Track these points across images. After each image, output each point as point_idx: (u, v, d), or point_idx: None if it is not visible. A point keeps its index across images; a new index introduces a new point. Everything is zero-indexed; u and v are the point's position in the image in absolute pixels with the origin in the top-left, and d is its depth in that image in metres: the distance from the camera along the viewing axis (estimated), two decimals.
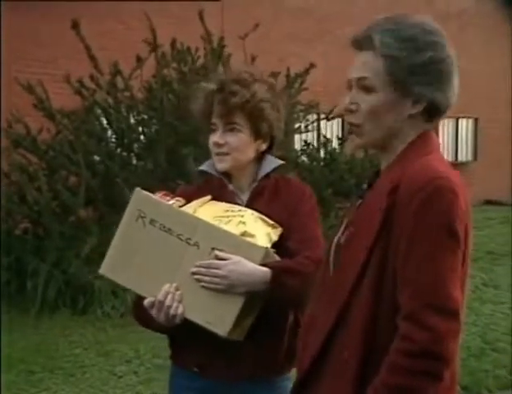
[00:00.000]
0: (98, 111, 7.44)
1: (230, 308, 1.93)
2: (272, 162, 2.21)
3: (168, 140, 7.17)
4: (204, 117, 2.15)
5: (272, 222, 2.06)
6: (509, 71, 17.80)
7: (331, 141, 8.79)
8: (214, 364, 2.08)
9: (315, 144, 9.09)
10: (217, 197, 2.15)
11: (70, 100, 7.45)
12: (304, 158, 8.56)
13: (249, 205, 2.12)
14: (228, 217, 2.02)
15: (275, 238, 2.04)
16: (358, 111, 1.62)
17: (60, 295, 6.82)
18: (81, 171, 7.06)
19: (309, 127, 8.55)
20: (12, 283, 6.92)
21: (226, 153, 2.12)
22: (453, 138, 17.51)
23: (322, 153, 8.75)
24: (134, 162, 7.63)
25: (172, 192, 2.17)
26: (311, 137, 9.52)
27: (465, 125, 17.76)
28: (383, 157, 1.68)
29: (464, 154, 17.70)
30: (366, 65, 1.60)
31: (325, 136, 9.00)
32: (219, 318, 1.93)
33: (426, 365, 1.44)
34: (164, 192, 2.11)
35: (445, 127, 17.07)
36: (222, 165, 2.14)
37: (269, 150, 2.22)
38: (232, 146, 2.11)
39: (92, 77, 7.31)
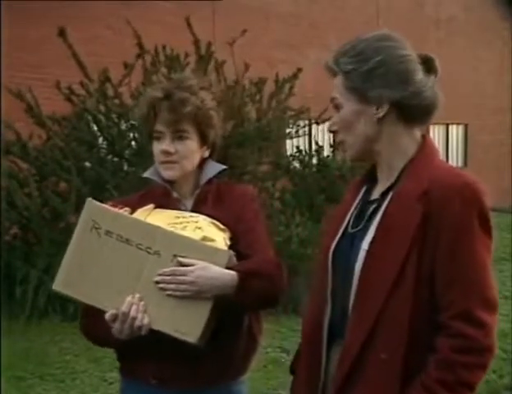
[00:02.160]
0: (89, 117, 7.43)
1: (199, 314, 1.89)
2: (213, 168, 2.17)
3: None
4: (148, 124, 2.10)
5: (222, 226, 2.04)
6: (498, 77, 17.91)
7: (323, 147, 8.83)
8: (173, 374, 2.03)
9: (306, 149, 9.11)
10: (161, 205, 2.09)
11: (62, 106, 7.44)
12: (295, 163, 8.59)
13: (195, 211, 2.08)
14: (182, 223, 1.98)
15: (228, 242, 2.02)
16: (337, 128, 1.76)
17: (50, 301, 6.79)
18: (72, 178, 7.05)
19: (300, 132, 8.58)
20: (1, 289, 6.89)
21: (175, 162, 2.08)
22: (443, 144, 17.59)
23: (314, 160, 8.78)
24: (126, 168, 7.62)
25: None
26: (302, 142, 9.55)
27: (455, 132, 17.86)
28: (381, 164, 1.77)
29: (455, 160, 17.77)
30: (335, 87, 1.74)
31: (317, 143, 9.03)
32: (188, 325, 1.89)
33: (479, 359, 1.57)
34: (112, 202, 2.05)
35: (435, 133, 17.14)
36: (170, 173, 2.09)
37: (211, 156, 2.20)
38: (181, 154, 2.07)
39: (82, 84, 7.30)
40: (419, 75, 1.69)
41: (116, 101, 7.37)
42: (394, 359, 1.59)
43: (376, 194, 1.78)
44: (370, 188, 1.82)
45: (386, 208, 1.69)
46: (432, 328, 1.59)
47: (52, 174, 7.30)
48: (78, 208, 7.76)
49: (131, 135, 7.56)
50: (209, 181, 2.15)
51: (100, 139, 7.57)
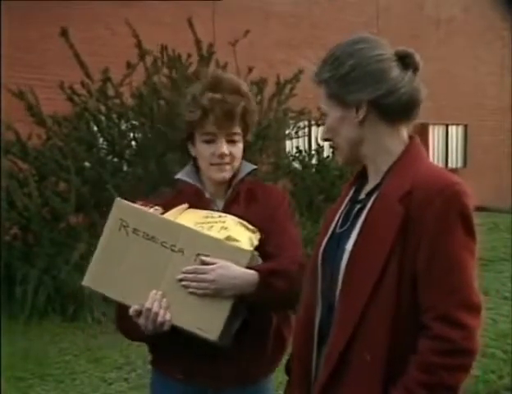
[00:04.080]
0: (89, 117, 7.43)
1: (219, 312, 1.93)
2: (246, 167, 2.22)
3: (159, 147, 7.17)
4: (198, 127, 2.11)
5: (251, 227, 2.07)
6: (498, 78, 17.91)
7: (323, 148, 8.83)
8: (200, 370, 2.07)
9: (306, 149, 9.13)
10: (194, 205, 2.14)
11: (62, 106, 7.44)
12: (296, 164, 8.59)
13: (226, 211, 2.12)
14: (209, 223, 2.03)
15: (256, 242, 2.05)
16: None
17: (49, 301, 6.79)
18: (71, 178, 7.05)
19: (300, 133, 8.59)
20: (1, 289, 6.89)
21: (228, 164, 2.13)
22: (443, 144, 17.60)
23: (314, 160, 8.79)
24: (125, 168, 7.62)
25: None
26: (302, 143, 9.55)
27: (455, 132, 17.86)
28: (368, 166, 1.79)
29: (454, 161, 17.78)
30: (320, 97, 1.78)
31: (318, 144, 9.04)
32: (208, 323, 1.92)
33: (460, 361, 1.56)
34: (142, 201, 2.09)
35: (435, 134, 17.15)
36: (223, 175, 2.13)
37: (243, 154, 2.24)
38: (235, 157, 2.14)
39: (82, 83, 7.31)
40: (393, 72, 1.68)
41: (117, 101, 7.38)
42: (377, 359, 1.59)
43: (362, 194, 1.79)
44: (359, 188, 1.83)
45: (370, 208, 1.70)
46: (415, 329, 1.59)
47: (52, 174, 7.30)
48: (78, 208, 7.80)
49: (131, 135, 7.56)
50: (241, 181, 2.18)
51: (100, 140, 7.57)
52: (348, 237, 1.71)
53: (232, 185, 2.17)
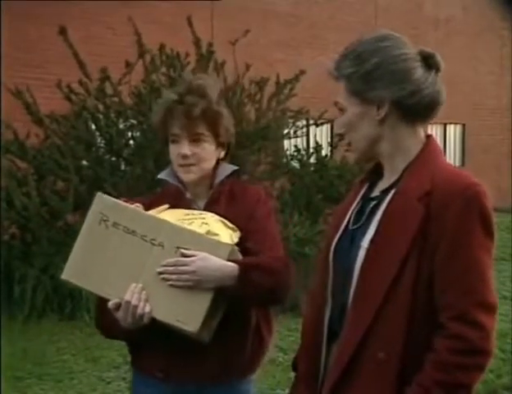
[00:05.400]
0: (88, 116, 7.42)
1: (199, 304, 1.93)
2: (226, 169, 2.23)
3: (157, 146, 7.16)
4: (164, 128, 2.16)
5: (231, 225, 2.08)
6: (497, 78, 17.92)
7: (322, 147, 8.83)
8: (179, 367, 2.08)
9: (304, 149, 9.12)
10: (175, 205, 2.16)
11: (61, 105, 7.44)
12: (294, 163, 8.59)
13: (206, 211, 2.13)
14: (190, 219, 2.05)
15: (236, 240, 2.06)
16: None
17: (48, 300, 6.79)
18: (70, 177, 7.05)
19: (298, 133, 8.59)
20: (0, 289, 6.88)
21: (193, 164, 2.13)
22: (441, 144, 17.54)
23: (312, 159, 8.78)
24: (123, 167, 7.62)
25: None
26: (300, 143, 9.54)
27: (453, 131, 17.86)
28: (384, 164, 1.78)
29: (452, 160, 17.77)
30: (339, 91, 1.76)
31: (317, 142, 9.03)
32: (188, 314, 1.93)
33: (476, 361, 1.57)
34: (124, 199, 2.11)
35: (432, 133, 17.05)
36: (189, 176, 2.15)
37: (225, 157, 2.25)
38: (199, 157, 2.13)
39: (81, 82, 7.30)
40: (418, 73, 1.69)
41: (115, 99, 7.37)
42: (391, 358, 1.59)
43: (376, 192, 1.78)
44: (372, 185, 1.82)
45: (387, 206, 1.69)
46: (430, 328, 1.59)
47: (51, 173, 7.29)
48: (76, 207, 7.78)
49: (129, 134, 7.56)
50: (222, 182, 2.20)
51: (98, 139, 7.56)
52: (363, 234, 1.70)
53: (213, 186, 2.19)
